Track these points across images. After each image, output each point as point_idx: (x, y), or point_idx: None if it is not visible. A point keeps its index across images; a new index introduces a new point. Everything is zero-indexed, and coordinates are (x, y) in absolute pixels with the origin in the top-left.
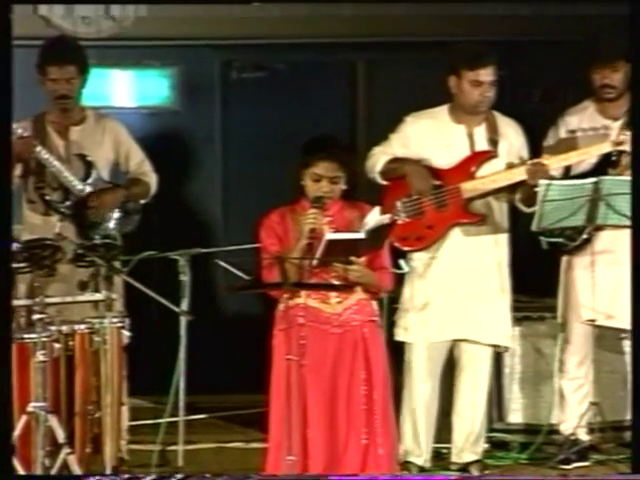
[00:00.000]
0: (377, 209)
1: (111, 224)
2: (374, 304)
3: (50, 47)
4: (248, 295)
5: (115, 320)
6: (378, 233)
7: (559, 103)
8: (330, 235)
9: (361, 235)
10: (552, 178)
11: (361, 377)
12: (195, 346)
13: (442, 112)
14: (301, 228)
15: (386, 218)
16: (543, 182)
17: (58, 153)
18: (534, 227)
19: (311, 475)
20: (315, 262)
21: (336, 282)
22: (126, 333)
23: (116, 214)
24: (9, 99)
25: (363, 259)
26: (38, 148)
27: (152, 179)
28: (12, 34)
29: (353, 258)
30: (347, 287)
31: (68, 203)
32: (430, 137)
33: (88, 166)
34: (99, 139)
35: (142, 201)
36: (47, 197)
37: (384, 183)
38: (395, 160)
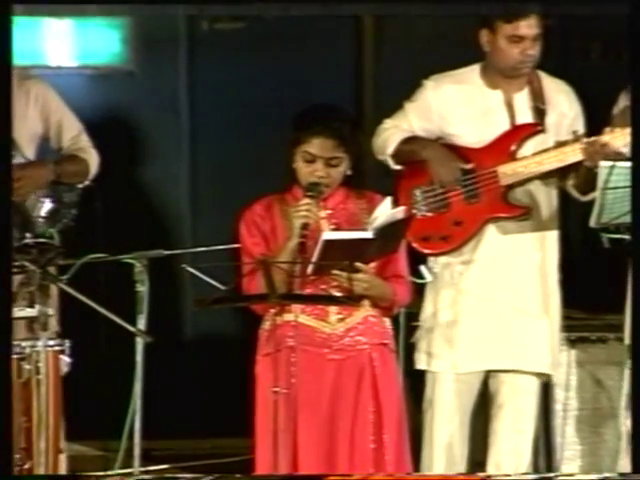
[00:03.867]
0: (389, 200)
1: (40, 217)
2: (386, 322)
3: None
4: (224, 311)
5: (52, 343)
6: (391, 232)
7: (625, 60)
8: (328, 234)
9: (369, 234)
10: (617, 158)
11: (369, 417)
12: (155, 376)
13: (472, 74)
14: (292, 223)
15: (401, 212)
16: (604, 164)
17: None
18: (593, 222)
19: (310, 475)
20: (310, 268)
21: (337, 294)
22: (65, 359)
23: (47, 204)
24: (9, 98)
25: (372, 265)
26: None
27: (91, 156)
28: (12, 34)
29: (359, 264)
30: (351, 301)
31: None
32: (457, 107)
33: None
34: (22, 108)
35: (79, 185)
36: None
37: (397, 168)
38: (412, 140)
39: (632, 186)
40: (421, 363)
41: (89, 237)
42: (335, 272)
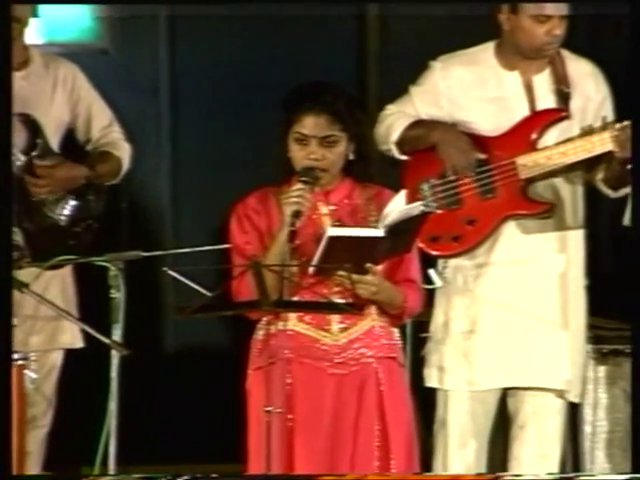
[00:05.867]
0: (403, 194)
1: (62, 216)
2: (395, 333)
3: None
4: (209, 320)
5: (15, 357)
6: (404, 229)
7: None
8: (334, 230)
9: (379, 232)
10: None
11: (373, 440)
12: (131, 394)
13: (486, 54)
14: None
15: (417, 207)
16: None
17: None
18: (627, 220)
19: (303, 475)
20: (312, 269)
21: (339, 300)
22: (32, 375)
23: (70, 203)
24: (9, 97)
25: (380, 267)
26: None
27: (124, 152)
28: (12, 34)
29: (367, 265)
30: (353, 309)
31: None
32: (469, 90)
33: (34, 131)
34: (49, 91)
35: (108, 183)
36: None
37: (403, 158)
38: (418, 124)
39: (632, 185)
40: (431, 380)
41: (111, 238)
42: (340, 273)
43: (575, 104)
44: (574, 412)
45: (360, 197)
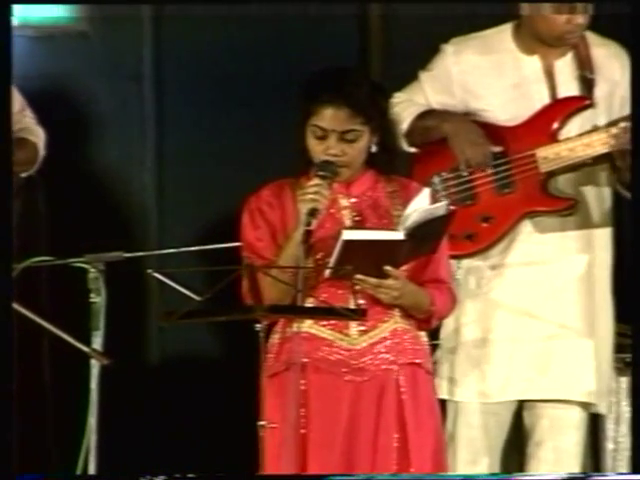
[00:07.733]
0: (427, 192)
1: None
2: (421, 337)
3: None
4: (198, 326)
5: None
6: (428, 231)
7: None
8: (349, 233)
9: (399, 235)
10: None
11: (391, 455)
12: (113, 407)
13: (502, 36)
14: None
15: (442, 207)
16: None
17: None
18: None
19: (311, 475)
20: (328, 271)
21: (353, 301)
22: None
23: None
24: (9, 98)
25: (404, 268)
26: None
27: (39, 138)
28: (12, 34)
29: (388, 268)
30: (355, 314)
31: None
32: (485, 76)
33: None
34: None
35: (24, 173)
36: None
37: (412, 150)
38: (429, 114)
39: (632, 185)
40: (441, 391)
41: (31, 236)
42: (359, 277)
43: (600, 91)
44: (595, 427)
45: (383, 190)
